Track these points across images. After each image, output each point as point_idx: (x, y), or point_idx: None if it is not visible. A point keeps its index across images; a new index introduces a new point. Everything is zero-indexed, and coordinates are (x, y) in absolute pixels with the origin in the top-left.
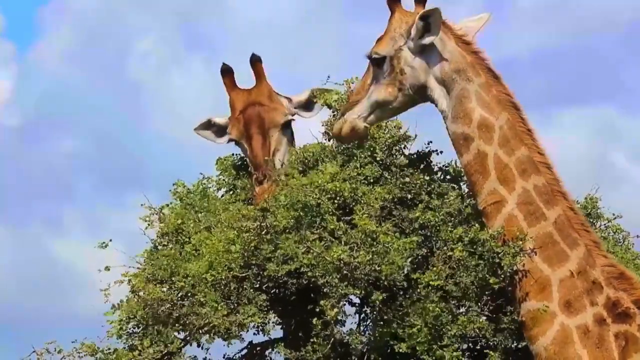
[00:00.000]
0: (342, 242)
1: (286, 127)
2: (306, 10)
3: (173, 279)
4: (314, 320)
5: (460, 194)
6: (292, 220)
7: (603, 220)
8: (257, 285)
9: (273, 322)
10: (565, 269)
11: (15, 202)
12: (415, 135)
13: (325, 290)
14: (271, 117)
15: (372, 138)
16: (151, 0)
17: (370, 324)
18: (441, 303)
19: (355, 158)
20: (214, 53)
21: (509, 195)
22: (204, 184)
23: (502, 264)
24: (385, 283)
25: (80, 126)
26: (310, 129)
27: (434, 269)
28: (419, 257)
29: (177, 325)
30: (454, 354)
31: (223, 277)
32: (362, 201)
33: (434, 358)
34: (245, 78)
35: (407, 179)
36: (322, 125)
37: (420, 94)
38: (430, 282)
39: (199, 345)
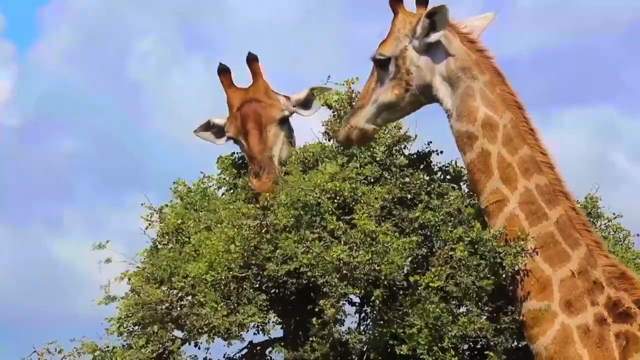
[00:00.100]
0: (342, 242)
1: (283, 123)
2: (306, 10)
3: (172, 279)
4: (313, 320)
5: (461, 194)
6: (292, 219)
7: (603, 220)
8: (257, 285)
9: (273, 322)
10: (567, 268)
11: (15, 202)
12: (416, 136)
13: (324, 289)
14: (268, 113)
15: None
16: (151, 0)
17: (370, 323)
18: (441, 303)
19: (355, 158)
20: (214, 53)
21: (511, 195)
22: (205, 182)
23: (503, 264)
24: (385, 283)
25: (80, 126)
26: (312, 129)
27: (434, 269)
28: (419, 257)
29: (175, 325)
30: (453, 358)
31: (223, 277)
32: (362, 201)
33: (434, 358)
34: (245, 78)
35: (407, 179)
36: (322, 125)
37: (426, 94)
38: (430, 284)
39: (196, 345)
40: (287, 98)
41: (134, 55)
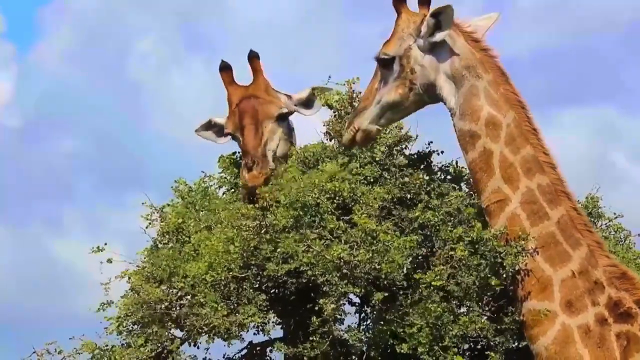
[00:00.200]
0: (342, 241)
1: (281, 120)
2: (306, 10)
3: (172, 279)
4: (313, 318)
5: (461, 194)
6: (291, 220)
7: (604, 220)
8: (257, 285)
9: (273, 322)
10: (567, 269)
11: (15, 202)
12: (417, 136)
13: (325, 288)
14: (265, 109)
15: None
16: (151, 0)
17: (371, 323)
18: (443, 303)
19: (355, 158)
20: (214, 53)
21: (513, 194)
22: (206, 182)
23: (504, 264)
24: (385, 282)
25: (80, 126)
26: (315, 129)
27: (435, 269)
28: (420, 256)
29: (175, 325)
30: (455, 357)
31: (222, 278)
32: (361, 201)
33: (434, 358)
34: (244, 77)
35: (407, 179)
36: (324, 125)
37: (430, 93)
38: (432, 283)
39: (195, 345)
40: (289, 97)
41: (134, 55)
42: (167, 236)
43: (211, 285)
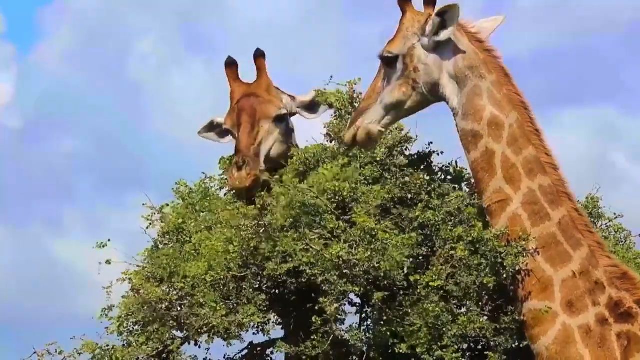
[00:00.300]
0: (341, 240)
1: (279, 121)
2: (306, 10)
3: (172, 279)
4: (314, 318)
5: (461, 194)
6: (290, 219)
7: (604, 220)
8: (257, 285)
9: (273, 322)
10: (568, 269)
11: (15, 202)
12: (417, 136)
13: (324, 288)
14: (264, 109)
15: None
16: (151, 0)
17: (371, 323)
18: (441, 303)
19: (356, 159)
20: (214, 53)
21: (515, 195)
22: (206, 183)
23: (504, 264)
24: (385, 282)
25: (80, 126)
26: (320, 132)
27: (434, 269)
28: (420, 256)
29: (175, 324)
30: (454, 355)
31: (222, 278)
32: (361, 200)
33: (434, 358)
34: (245, 77)
35: (407, 179)
36: (324, 127)
37: (433, 93)
38: (430, 283)
39: (196, 344)
40: (293, 98)
41: (134, 56)
42: (168, 236)
43: (211, 285)
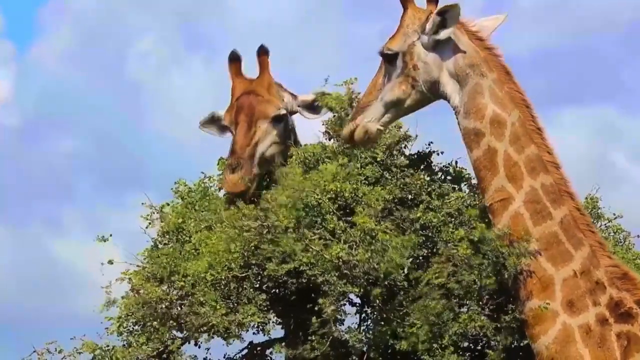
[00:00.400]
0: (341, 241)
1: (277, 121)
2: (306, 10)
3: (172, 278)
4: (313, 319)
5: (461, 195)
6: (293, 220)
7: (604, 220)
8: (257, 285)
9: (273, 322)
10: (569, 268)
11: (15, 202)
12: (416, 136)
13: (324, 288)
14: (262, 108)
15: None
16: (151, 0)
17: (371, 323)
18: (442, 301)
19: (356, 158)
20: (214, 53)
21: (517, 193)
22: (205, 182)
23: (506, 265)
24: (386, 283)
25: (80, 126)
26: (315, 130)
27: (435, 266)
28: (420, 257)
29: (175, 324)
30: (453, 356)
31: (223, 277)
32: (363, 201)
33: (433, 357)
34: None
35: (408, 179)
36: (323, 125)
37: (433, 91)
38: (432, 280)
39: (196, 344)
40: (294, 97)
41: (133, 55)
42: (167, 236)
43: (211, 284)
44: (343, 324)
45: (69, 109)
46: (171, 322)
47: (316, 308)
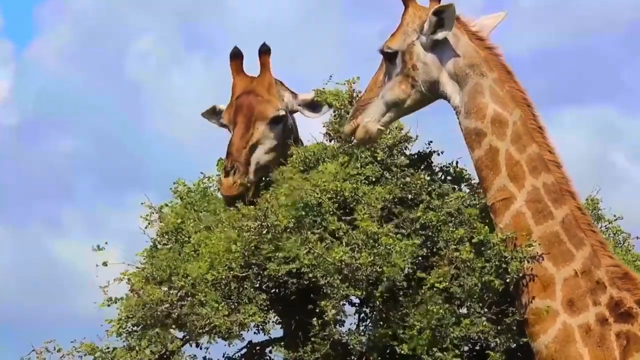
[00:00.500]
0: (344, 243)
1: (275, 123)
2: (306, 10)
3: (172, 279)
4: (314, 320)
5: (461, 195)
6: (293, 220)
7: (604, 222)
8: (258, 285)
9: (273, 322)
10: (570, 268)
11: (15, 202)
12: (417, 136)
13: (326, 290)
14: (261, 109)
15: None
16: (151, 0)
17: (370, 324)
18: (445, 305)
19: (356, 158)
20: (214, 53)
21: (518, 193)
22: (205, 183)
23: (508, 269)
24: (386, 284)
25: (80, 126)
26: (314, 131)
27: (440, 270)
28: (420, 257)
29: (175, 325)
30: (454, 359)
31: (223, 277)
32: (363, 201)
33: (433, 359)
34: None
35: (408, 179)
36: (323, 125)
37: (433, 91)
38: (436, 284)
39: (197, 345)
40: (294, 95)
41: (133, 55)
42: (167, 236)
43: (212, 285)
44: (344, 325)
45: (69, 108)
46: (171, 323)
47: (317, 310)
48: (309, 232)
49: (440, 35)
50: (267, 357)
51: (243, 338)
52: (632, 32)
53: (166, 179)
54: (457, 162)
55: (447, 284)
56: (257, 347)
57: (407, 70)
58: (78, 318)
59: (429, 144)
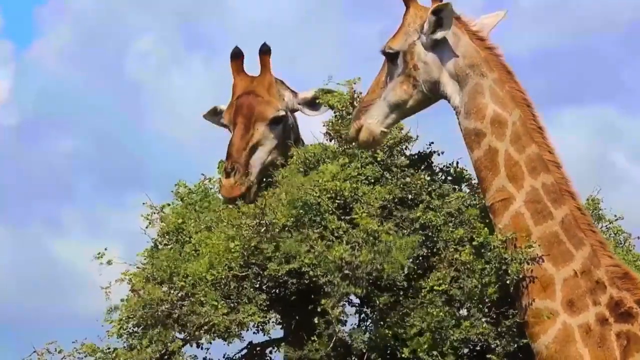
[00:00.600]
0: (344, 242)
1: (275, 123)
2: (306, 10)
3: (173, 279)
4: (316, 319)
5: (461, 195)
6: (291, 219)
7: (605, 222)
8: (257, 285)
9: (273, 322)
10: (570, 268)
11: (15, 202)
12: (417, 136)
13: (326, 289)
14: (261, 110)
15: None
16: (151, 0)
17: (371, 324)
18: (444, 307)
19: (356, 158)
20: (214, 53)
21: (517, 193)
22: (205, 184)
23: (508, 271)
24: (387, 283)
25: (80, 126)
26: (314, 131)
27: (439, 273)
28: (420, 257)
29: (176, 325)
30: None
31: (223, 277)
32: (362, 200)
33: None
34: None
35: (408, 179)
36: (324, 125)
37: (434, 91)
38: (435, 287)
39: (198, 346)
40: (295, 94)
41: (133, 55)
42: (167, 236)
43: (212, 284)
44: (346, 325)
45: (69, 108)
46: (171, 323)
47: (319, 309)
48: (309, 231)
49: (439, 34)
50: (268, 358)
51: (243, 338)
52: (632, 32)
53: (166, 179)
54: (457, 163)
55: (446, 286)
56: (258, 348)
57: (409, 71)
58: (78, 318)
59: (430, 145)
